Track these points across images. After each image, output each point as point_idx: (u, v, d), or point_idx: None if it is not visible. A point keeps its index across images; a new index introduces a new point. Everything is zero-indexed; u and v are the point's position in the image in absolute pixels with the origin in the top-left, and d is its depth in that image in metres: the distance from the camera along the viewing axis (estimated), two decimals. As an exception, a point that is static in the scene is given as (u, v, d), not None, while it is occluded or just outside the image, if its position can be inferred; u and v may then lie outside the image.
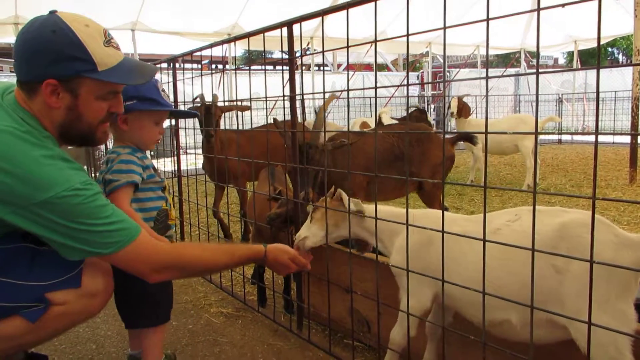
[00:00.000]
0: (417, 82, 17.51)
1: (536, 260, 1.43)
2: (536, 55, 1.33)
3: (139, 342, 2.25)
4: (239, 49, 17.06)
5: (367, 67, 20.70)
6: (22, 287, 1.68)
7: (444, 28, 1.56)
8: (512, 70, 17.53)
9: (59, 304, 1.72)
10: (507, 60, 18.90)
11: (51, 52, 1.60)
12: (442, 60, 22.12)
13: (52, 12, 1.65)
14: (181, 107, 3.88)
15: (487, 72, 1.48)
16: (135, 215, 2.04)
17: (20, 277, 1.68)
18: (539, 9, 1.29)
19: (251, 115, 3.56)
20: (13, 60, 1.68)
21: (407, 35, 1.66)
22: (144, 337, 2.17)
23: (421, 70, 20.12)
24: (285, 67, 2.52)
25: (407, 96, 1.79)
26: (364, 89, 2.16)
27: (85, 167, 2.23)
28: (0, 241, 1.69)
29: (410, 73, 18.05)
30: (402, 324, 1.97)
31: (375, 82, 1.82)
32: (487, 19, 1.40)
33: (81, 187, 1.59)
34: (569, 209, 1.70)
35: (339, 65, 19.79)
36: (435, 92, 16.76)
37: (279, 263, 2.12)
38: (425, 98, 15.66)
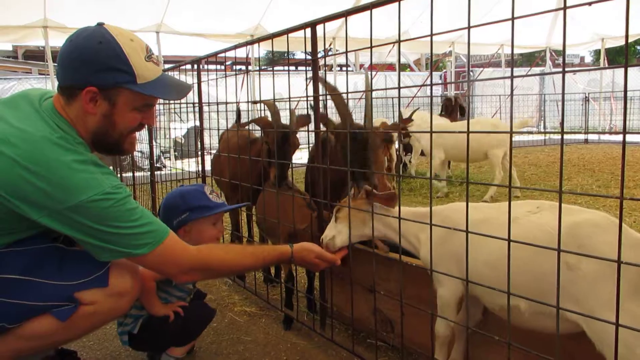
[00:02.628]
0: (439, 82, 17.40)
1: (550, 256, 1.44)
2: (562, 53, 1.31)
3: None
4: (261, 50, 17.19)
5: (389, 67, 20.64)
6: (52, 286, 1.73)
7: (469, 27, 1.55)
8: (536, 70, 17.31)
9: (88, 304, 1.77)
10: (532, 59, 18.69)
11: (96, 62, 1.67)
12: (465, 60, 21.94)
13: (100, 24, 1.73)
14: (205, 108, 3.93)
15: (512, 71, 1.48)
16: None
17: (50, 276, 1.74)
18: (565, 8, 1.27)
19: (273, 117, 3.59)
20: (57, 65, 1.75)
21: (431, 35, 1.66)
22: None
23: (444, 70, 19.98)
24: (308, 68, 2.53)
25: (431, 96, 1.79)
26: (387, 89, 2.15)
27: (111, 167, 2.31)
28: (31, 241, 1.75)
29: (433, 73, 17.93)
30: (443, 315, 1.99)
31: (399, 82, 1.83)
32: (512, 18, 1.39)
33: (112, 191, 1.64)
34: (585, 208, 1.70)
35: (361, 66, 19.77)
36: (458, 92, 16.64)
37: (306, 262, 2.17)
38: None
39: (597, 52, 18.89)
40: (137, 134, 1.94)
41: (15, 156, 1.56)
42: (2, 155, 1.56)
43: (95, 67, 1.67)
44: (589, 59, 30.32)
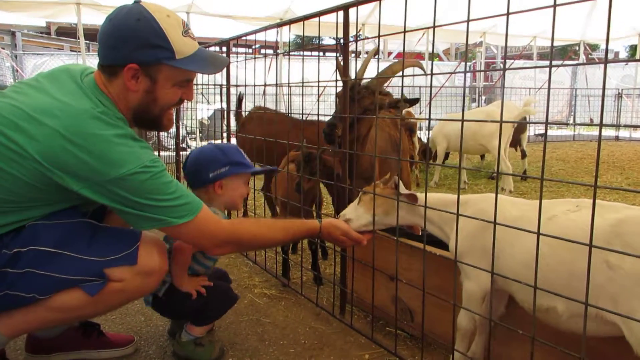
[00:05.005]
0: (472, 70, 17.12)
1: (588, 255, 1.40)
2: (606, 43, 1.27)
3: None
4: (290, 35, 17.06)
5: (417, 55, 20.39)
6: (83, 261, 1.76)
7: (507, 14, 1.51)
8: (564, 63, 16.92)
9: (116, 281, 1.80)
10: (564, 52, 18.24)
11: (135, 39, 1.70)
12: (495, 51, 21.55)
13: (137, 2, 1.75)
14: (232, 90, 3.93)
15: (550, 60, 1.43)
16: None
17: (81, 251, 1.77)
18: (610, -5, 1.22)
19: (302, 101, 3.54)
20: (98, 43, 1.77)
21: (468, 21, 1.62)
22: None
23: (474, 61, 19.65)
24: (336, 54, 2.50)
25: (464, 86, 1.75)
26: (415, 75, 2.12)
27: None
28: (63, 215, 1.79)
29: (462, 63, 17.64)
30: (467, 308, 1.96)
31: (432, 69, 1.79)
32: (555, 5, 1.35)
33: (150, 164, 1.68)
34: (630, 205, 1.63)
35: (389, 54, 19.57)
36: (487, 83, 16.38)
37: (333, 238, 2.20)
38: (477, 89, 15.32)
39: (633, 48, 18.39)
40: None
41: (59, 128, 1.59)
42: (46, 127, 1.60)
43: (134, 44, 1.70)
44: (623, 54, 29.52)
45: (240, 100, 4.68)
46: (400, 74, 1.96)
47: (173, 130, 6.21)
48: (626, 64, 16.20)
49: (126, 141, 1.67)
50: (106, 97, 1.76)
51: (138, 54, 1.71)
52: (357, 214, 2.23)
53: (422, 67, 2.78)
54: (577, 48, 15.69)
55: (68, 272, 1.74)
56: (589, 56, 16.64)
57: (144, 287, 1.91)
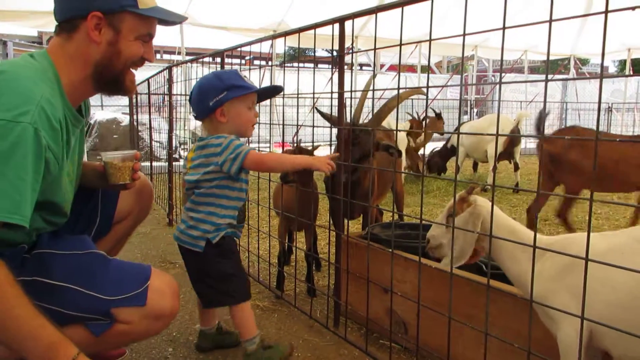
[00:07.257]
0: (462, 84, 17.24)
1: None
2: (601, 58, 1.28)
3: (209, 318, 2.47)
4: (282, 46, 17.12)
5: (409, 68, 20.53)
6: (90, 298, 1.68)
7: (503, 28, 1.53)
8: (559, 77, 17.10)
9: (123, 322, 1.73)
10: (555, 66, 18.45)
11: None
12: (486, 64, 21.75)
13: None
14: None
15: (547, 75, 1.44)
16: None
17: (89, 287, 1.69)
18: (606, 12, 1.24)
19: (297, 112, 3.52)
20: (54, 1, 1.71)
21: (464, 35, 1.64)
22: (233, 315, 2.28)
23: (465, 74, 19.81)
24: (328, 66, 2.51)
25: (460, 99, 1.77)
26: (411, 88, 2.13)
27: (133, 151, 2.29)
28: (72, 245, 1.73)
29: (454, 76, 17.77)
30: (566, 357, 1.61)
31: (428, 81, 1.80)
32: (550, 20, 1.36)
33: (29, 121, 1.41)
34: None
35: (382, 66, 19.70)
36: (478, 96, 16.51)
37: None
38: (469, 102, 15.44)
39: (622, 63, 18.65)
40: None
41: None
42: None
43: None
44: (612, 69, 29.87)
45: (541, 120, 3.92)
46: (395, 86, 1.97)
47: (165, 140, 6.19)
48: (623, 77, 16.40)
49: (29, 81, 1.50)
50: (48, 58, 1.66)
51: (101, 2, 1.64)
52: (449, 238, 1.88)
53: (423, 93, 2.78)
54: (567, 62, 15.87)
55: (74, 308, 1.67)
56: (579, 70, 16.82)
57: (151, 330, 1.84)
